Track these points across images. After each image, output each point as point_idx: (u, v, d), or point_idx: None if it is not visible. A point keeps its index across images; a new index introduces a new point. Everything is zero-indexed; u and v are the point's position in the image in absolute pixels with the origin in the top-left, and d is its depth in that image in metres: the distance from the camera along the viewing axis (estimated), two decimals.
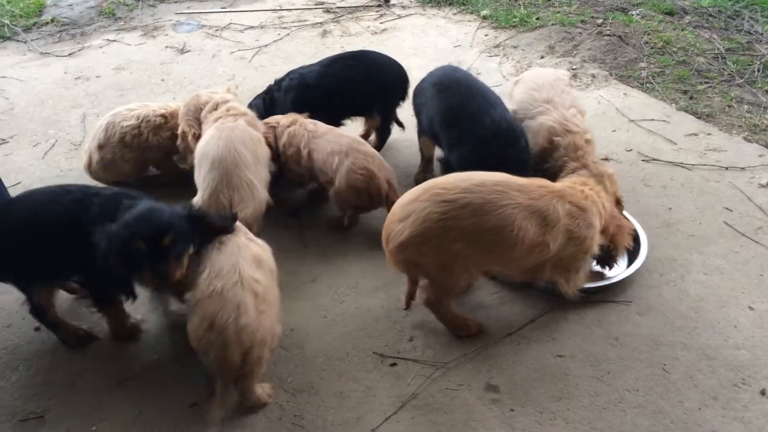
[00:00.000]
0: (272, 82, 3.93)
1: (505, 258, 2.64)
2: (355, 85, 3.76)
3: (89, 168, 3.73)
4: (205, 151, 3.20)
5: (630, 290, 2.98)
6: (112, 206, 2.53)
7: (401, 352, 2.75)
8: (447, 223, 2.53)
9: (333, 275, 3.15)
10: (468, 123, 3.16)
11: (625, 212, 3.25)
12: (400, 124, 4.05)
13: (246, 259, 2.45)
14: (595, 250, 2.74)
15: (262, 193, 3.21)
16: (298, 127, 3.48)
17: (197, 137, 3.34)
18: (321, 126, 3.49)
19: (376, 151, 3.39)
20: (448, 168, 3.16)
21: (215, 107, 3.38)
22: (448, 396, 2.56)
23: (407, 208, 2.62)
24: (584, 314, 2.88)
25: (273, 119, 3.59)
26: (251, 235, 2.66)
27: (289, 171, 3.54)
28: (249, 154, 3.18)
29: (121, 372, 2.72)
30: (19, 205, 2.76)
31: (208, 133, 3.27)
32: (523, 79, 3.59)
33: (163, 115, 3.67)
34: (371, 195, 3.29)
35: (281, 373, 2.68)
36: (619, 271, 3.02)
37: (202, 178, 3.14)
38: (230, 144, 3.16)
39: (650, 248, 3.08)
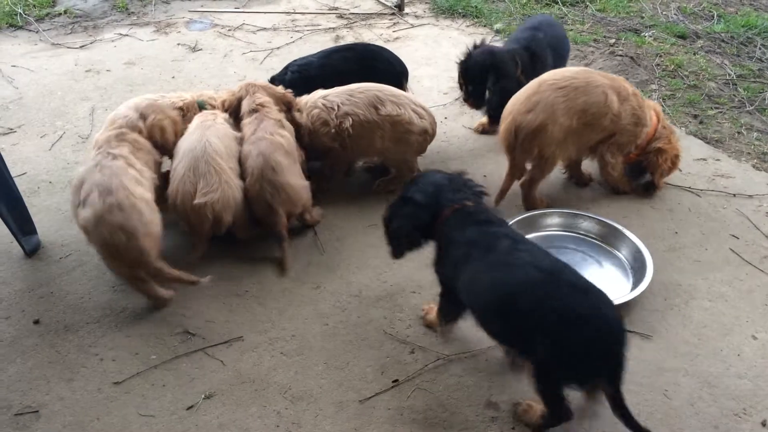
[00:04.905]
0: (269, 79, 3.95)
1: (595, 130, 3.37)
2: (351, 77, 3.73)
3: None
4: (179, 145, 3.24)
5: (634, 313, 2.96)
6: None
7: (402, 365, 2.73)
8: (567, 104, 3.23)
9: (336, 283, 3.13)
10: None
11: (631, 235, 3.25)
12: None
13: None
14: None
15: (235, 182, 3.18)
16: (318, 110, 3.51)
17: None
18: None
19: None
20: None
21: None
22: (447, 411, 2.54)
23: (530, 102, 3.26)
24: None
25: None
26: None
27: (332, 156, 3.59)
28: (221, 143, 3.20)
29: (119, 371, 2.71)
30: None
31: (188, 130, 3.32)
32: None
33: (180, 108, 3.60)
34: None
35: (281, 379, 2.67)
36: (624, 293, 3.02)
37: (173, 170, 3.17)
38: (202, 135, 3.19)
39: (655, 272, 3.06)
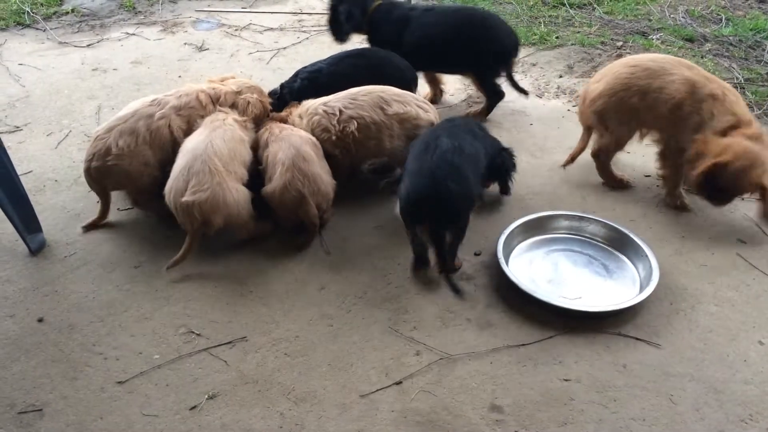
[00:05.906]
0: (278, 86, 3.97)
1: (656, 116, 3.46)
2: (361, 83, 3.69)
3: None
4: (184, 144, 3.25)
5: (639, 317, 2.94)
6: None
7: (406, 367, 2.72)
8: (630, 80, 3.46)
9: (341, 284, 3.12)
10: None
11: (638, 238, 3.24)
12: None
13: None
14: None
15: (231, 185, 3.14)
16: (318, 116, 3.52)
17: None
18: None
19: None
20: None
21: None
22: (451, 414, 2.53)
23: (603, 73, 3.63)
24: (592, 339, 2.84)
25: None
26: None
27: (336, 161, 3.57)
28: (224, 146, 3.19)
29: (123, 370, 2.70)
30: None
31: (196, 130, 3.34)
32: None
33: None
34: None
35: (284, 380, 2.66)
36: (630, 296, 3.00)
37: (174, 167, 3.18)
38: (207, 136, 3.21)
39: (661, 276, 3.05)
